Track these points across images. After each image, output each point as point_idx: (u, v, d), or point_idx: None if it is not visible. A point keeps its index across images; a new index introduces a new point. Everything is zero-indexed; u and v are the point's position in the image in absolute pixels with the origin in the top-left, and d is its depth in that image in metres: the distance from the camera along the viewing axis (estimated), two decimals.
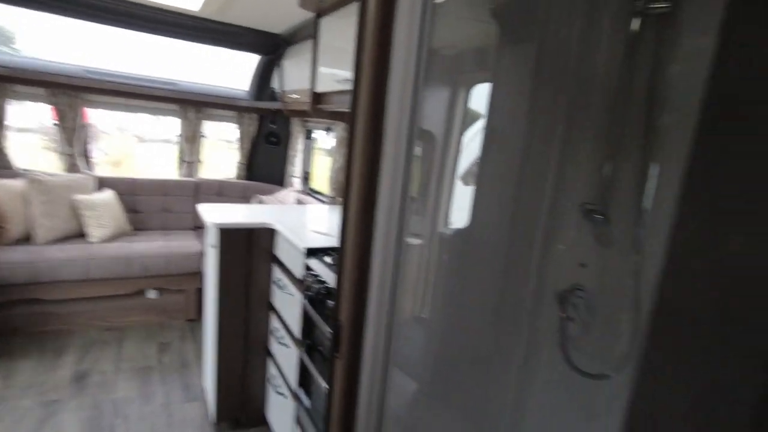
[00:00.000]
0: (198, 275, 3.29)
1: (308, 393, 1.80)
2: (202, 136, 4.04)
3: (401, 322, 1.82)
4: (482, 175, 1.53)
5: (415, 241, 1.84)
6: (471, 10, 1.52)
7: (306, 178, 3.97)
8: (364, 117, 1.01)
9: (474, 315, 1.56)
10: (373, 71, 0.99)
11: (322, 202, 3.34)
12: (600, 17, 1.17)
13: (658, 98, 1.11)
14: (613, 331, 1.20)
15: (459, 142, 1.75)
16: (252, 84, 3.95)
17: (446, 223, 1.77)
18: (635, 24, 1.05)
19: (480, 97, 1.66)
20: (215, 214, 2.23)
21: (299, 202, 3.48)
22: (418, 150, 1.85)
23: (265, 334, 2.29)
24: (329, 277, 1.66)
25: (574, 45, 1.21)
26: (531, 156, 1.37)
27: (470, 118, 1.77)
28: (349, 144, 1.05)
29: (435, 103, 1.74)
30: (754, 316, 1.01)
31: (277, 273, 2.15)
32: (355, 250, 1.03)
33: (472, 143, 1.63)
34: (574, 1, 1.21)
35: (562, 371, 1.30)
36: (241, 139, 4.15)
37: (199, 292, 3.33)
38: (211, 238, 2.19)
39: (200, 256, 3.27)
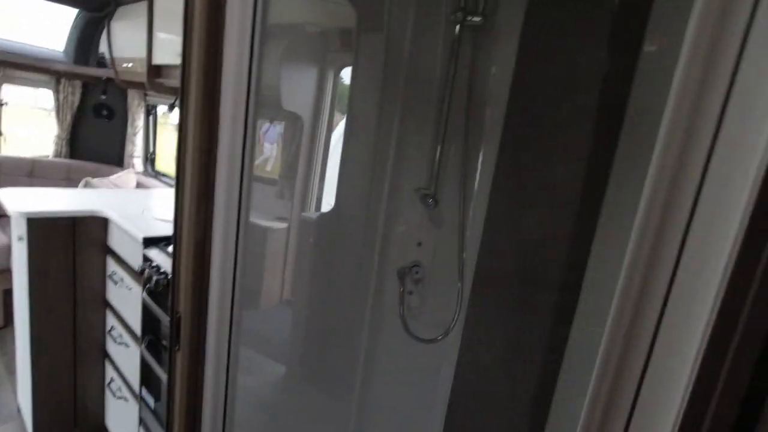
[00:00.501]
0: (7, 273, 2.74)
1: (153, 393, 1.67)
2: (2, 103, 3.30)
3: (267, 307, 1.80)
4: (345, 160, 1.56)
5: (278, 224, 1.81)
6: None
7: (150, 158, 3.56)
8: (197, 93, 0.95)
9: (336, 294, 1.62)
10: (205, 44, 0.93)
11: (169, 185, 3.05)
12: (428, 22, 1.29)
13: (477, 94, 1.27)
14: (444, 301, 1.38)
15: (329, 125, 1.75)
16: (70, 45, 3.34)
17: (316, 206, 1.77)
18: (457, 31, 1.19)
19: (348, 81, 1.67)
20: (22, 200, 1.87)
21: (141, 185, 3.12)
22: (280, 131, 1.81)
23: (100, 335, 2.03)
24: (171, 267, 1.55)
25: (408, 42, 1.31)
26: (378, 143, 1.45)
27: (344, 104, 1.77)
28: (180, 123, 0.98)
29: (300, 83, 1.71)
30: (543, 278, 1.25)
31: (113, 266, 1.92)
32: (191, 237, 0.98)
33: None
34: (408, 4, 1.31)
35: (402, 339, 1.44)
36: (59, 110, 3.50)
37: (9, 294, 2.78)
38: (17, 229, 1.84)
39: (7, 250, 2.72)
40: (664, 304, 0.48)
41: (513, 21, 1.17)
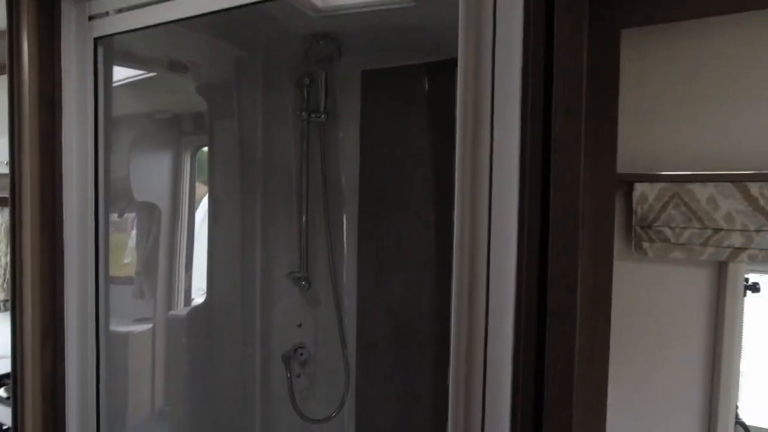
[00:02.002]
0: None
1: None
2: None
3: (137, 423, 1.56)
4: (212, 246, 1.51)
5: (140, 327, 1.63)
6: (175, 84, 1.53)
7: None
8: (33, 201, 0.88)
9: (220, 391, 1.50)
10: (39, 144, 0.88)
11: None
12: (277, 115, 1.40)
13: (331, 178, 1.40)
14: (333, 377, 1.40)
15: (191, 207, 1.66)
16: None
17: (185, 300, 1.63)
18: (305, 124, 1.32)
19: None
20: None
21: None
22: (133, 224, 1.66)
23: None
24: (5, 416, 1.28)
25: (260, 131, 1.40)
26: (244, 226, 1.46)
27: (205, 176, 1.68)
28: (12, 246, 0.89)
29: (155, 170, 1.62)
30: (413, 338, 1.37)
31: None
32: (37, 374, 0.86)
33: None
34: (255, 100, 1.41)
35: (298, 424, 1.41)
36: None
37: None
38: None
39: None
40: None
41: (352, 115, 1.34)
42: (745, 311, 1.04)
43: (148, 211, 1.64)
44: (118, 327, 1.51)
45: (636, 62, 1.08)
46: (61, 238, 0.87)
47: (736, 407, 1.05)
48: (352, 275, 1.37)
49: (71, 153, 0.91)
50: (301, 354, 1.40)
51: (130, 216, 1.59)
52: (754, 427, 1.20)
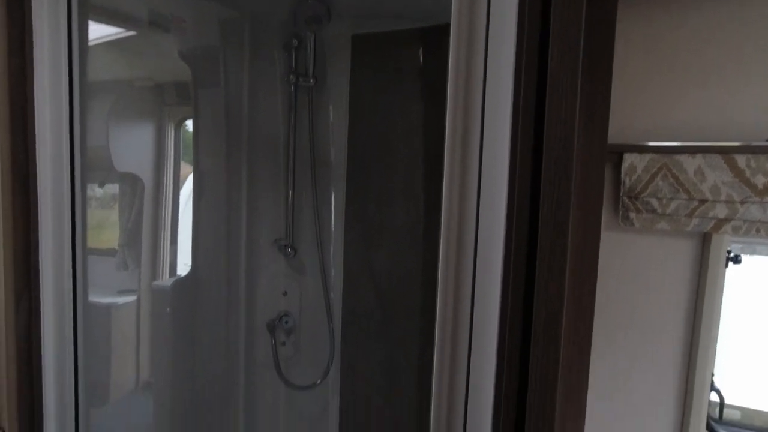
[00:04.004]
0: None
1: None
2: None
3: (123, 396, 1.55)
4: (197, 218, 1.48)
5: (124, 299, 1.60)
6: (157, 47, 1.47)
7: None
8: (3, 155, 0.84)
9: (205, 361, 1.50)
10: (9, 111, 0.84)
11: None
12: (264, 81, 1.35)
13: (319, 145, 1.37)
14: (318, 345, 1.40)
15: (176, 182, 1.62)
16: None
17: (170, 272, 1.61)
18: (292, 89, 1.28)
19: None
20: None
21: None
22: (114, 195, 1.62)
23: None
24: None
25: (246, 98, 1.35)
26: (229, 197, 1.43)
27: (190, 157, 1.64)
28: None
29: (136, 141, 1.56)
30: (399, 309, 1.37)
31: None
32: (10, 337, 0.84)
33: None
34: (241, 65, 1.35)
35: (283, 391, 1.42)
36: None
37: None
38: None
39: None
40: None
41: (341, 82, 1.30)
42: (726, 282, 1.06)
43: (131, 183, 1.60)
44: (100, 298, 1.48)
45: (627, 33, 1.07)
46: (35, 196, 0.84)
47: (712, 374, 1.09)
48: (339, 244, 1.36)
49: (44, 109, 0.87)
50: (286, 322, 1.40)
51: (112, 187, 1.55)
52: (745, 408, 1.23)
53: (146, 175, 1.61)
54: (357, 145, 1.31)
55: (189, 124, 1.64)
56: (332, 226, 1.38)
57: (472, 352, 0.62)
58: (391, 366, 1.35)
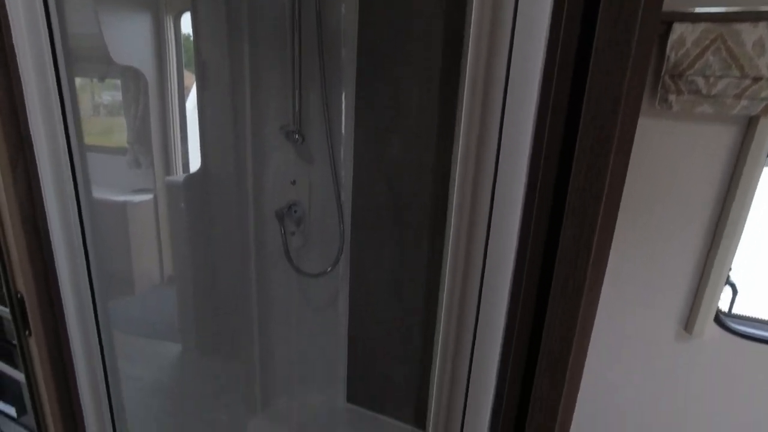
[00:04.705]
0: None
1: (12, 401, 1.44)
2: None
3: (148, 288, 1.61)
4: (202, 113, 1.40)
5: (140, 197, 1.59)
6: None
7: None
8: None
9: (218, 253, 1.52)
10: None
11: None
12: None
13: (327, 30, 1.23)
14: (327, 235, 1.39)
15: (180, 80, 1.53)
16: None
17: (183, 169, 1.58)
18: None
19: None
20: None
21: None
22: (116, 91, 1.53)
23: None
24: None
25: None
26: (232, 86, 1.33)
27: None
28: None
29: (133, 33, 1.44)
30: (411, 198, 1.33)
31: None
32: (14, 208, 0.82)
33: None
34: None
35: (294, 279, 1.44)
36: None
37: None
38: None
39: None
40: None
41: None
42: (762, 178, 1.00)
43: (133, 78, 1.50)
44: (116, 196, 1.47)
45: None
46: (18, 96, 0.75)
47: (730, 268, 1.06)
48: (349, 132, 1.28)
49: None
50: (295, 211, 1.37)
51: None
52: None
53: (148, 71, 1.51)
54: (369, 17, 1.17)
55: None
56: (342, 112, 1.29)
57: (488, 251, 0.57)
58: (401, 256, 1.34)
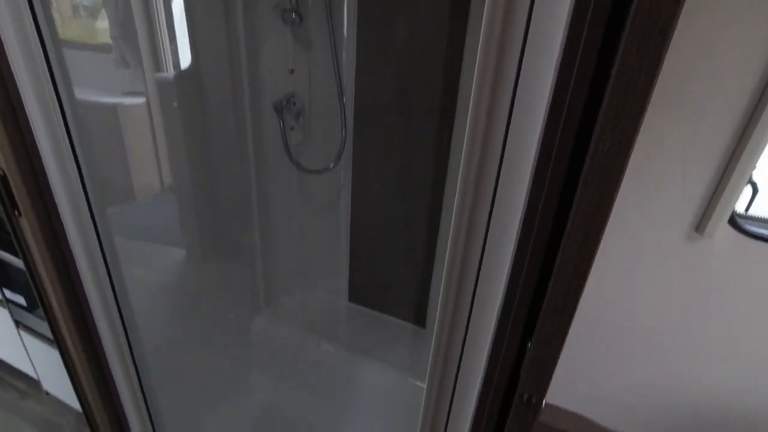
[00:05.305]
0: None
1: (19, 291, 1.47)
2: None
3: (149, 195, 1.57)
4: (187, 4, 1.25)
5: (131, 100, 1.49)
6: None
7: None
8: None
9: (216, 151, 1.45)
10: None
11: None
12: None
13: None
14: (329, 130, 1.32)
15: None
16: None
17: (174, 66, 1.46)
18: None
19: None
20: None
21: None
22: None
23: None
24: None
25: None
26: None
27: None
28: None
29: None
30: (417, 91, 1.23)
31: None
32: None
33: None
34: None
35: (295, 175, 1.40)
36: None
37: None
38: None
39: None
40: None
41: None
42: None
43: None
44: (105, 98, 1.37)
45: None
46: None
47: (754, 167, 1.01)
48: (352, 10, 1.15)
49: None
50: (294, 103, 1.29)
51: None
52: None
53: None
54: None
55: None
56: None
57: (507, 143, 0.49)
58: (406, 150, 1.28)
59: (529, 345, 0.52)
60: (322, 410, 1.57)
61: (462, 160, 0.53)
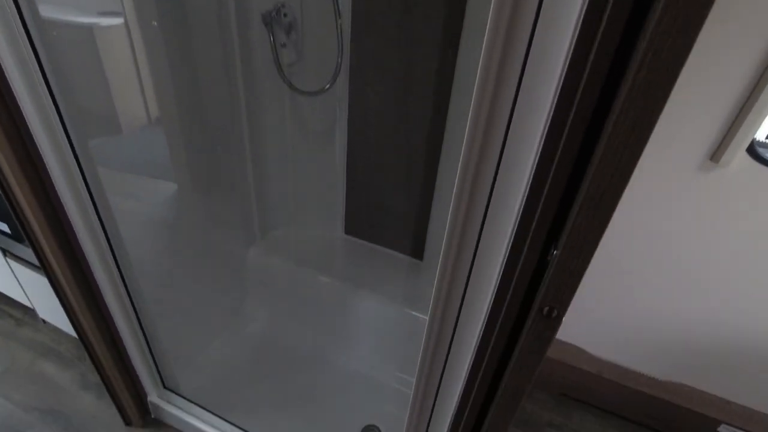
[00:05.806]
0: None
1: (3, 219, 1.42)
2: None
3: (135, 126, 1.46)
4: None
5: (108, 20, 1.34)
6: None
7: None
8: None
9: (204, 72, 1.34)
10: None
11: None
12: None
13: None
14: (323, 48, 1.21)
15: None
16: None
17: None
18: None
19: None
20: None
21: None
22: None
23: None
24: None
25: None
26: None
27: None
28: None
29: None
30: (419, 7, 1.11)
31: None
32: None
33: None
34: None
35: (288, 97, 1.30)
36: None
37: None
38: None
39: None
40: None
41: None
42: None
43: None
44: (78, 17, 1.22)
45: None
46: None
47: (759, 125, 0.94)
48: None
49: None
50: (285, 15, 1.16)
51: None
52: None
53: None
54: None
55: None
56: None
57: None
58: (408, 70, 1.18)
59: (554, 251, 0.46)
60: (319, 341, 1.59)
61: (480, 62, 0.46)
